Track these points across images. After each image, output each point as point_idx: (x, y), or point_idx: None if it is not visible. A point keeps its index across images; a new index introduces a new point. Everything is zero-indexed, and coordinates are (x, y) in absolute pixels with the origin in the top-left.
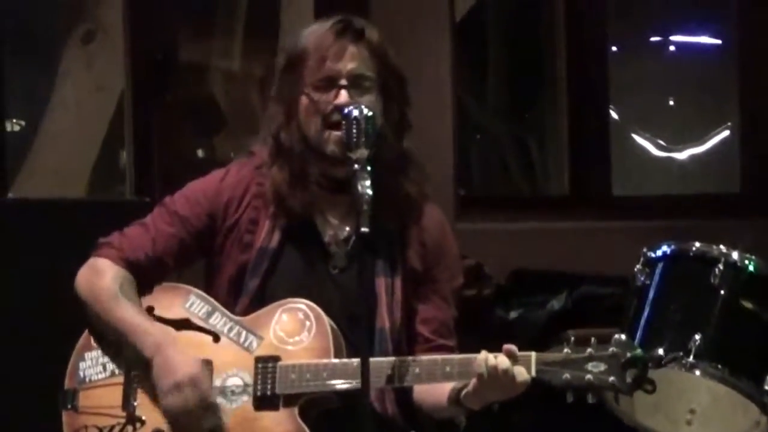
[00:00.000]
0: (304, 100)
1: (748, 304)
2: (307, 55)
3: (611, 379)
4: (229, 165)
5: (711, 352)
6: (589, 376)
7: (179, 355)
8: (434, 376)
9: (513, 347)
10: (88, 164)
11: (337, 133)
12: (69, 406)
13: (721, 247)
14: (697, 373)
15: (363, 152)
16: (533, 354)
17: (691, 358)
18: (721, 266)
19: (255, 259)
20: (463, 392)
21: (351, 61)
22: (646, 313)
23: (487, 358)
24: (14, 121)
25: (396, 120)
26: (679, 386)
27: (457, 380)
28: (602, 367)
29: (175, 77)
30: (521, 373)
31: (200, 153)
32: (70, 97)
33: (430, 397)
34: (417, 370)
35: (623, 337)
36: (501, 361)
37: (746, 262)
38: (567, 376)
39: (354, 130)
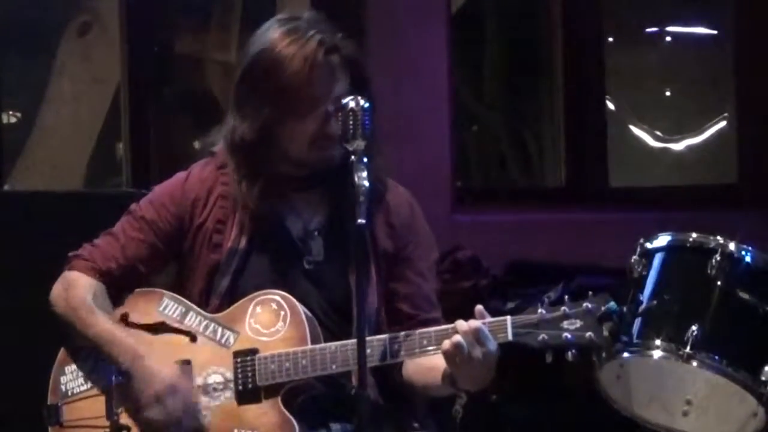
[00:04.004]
0: (288, 124)
1: (744, 295)
2: (290, 79)
3: (588, 334)
4: (191, 166)
5: (708, 342)
6: (566, 334)
7: (155, 365)
8: (413, 351)
9: (481, 307)
10: (85, 156)
11: (322, 153)
12: (54, 422)
13: (718, 237)
14: (694, 363)
15: (360, 143)
16: (508, 318)
17: (687, 349)
18: (718, 257)
19: (225, 259)
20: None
21: (334, 83)
22: (643, 305)
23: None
24: (10, 113)
25: None
26: (675, 377)
27: (434, 353)
28: (578, 323)
29: (172, 69)
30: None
31: (196, 145)
32: (67, 89)
33: (423, 378)
34: (396, 346)
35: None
36: (472, 322)
37: (743, 252)
38: (544, 336)
39: (351, 122)
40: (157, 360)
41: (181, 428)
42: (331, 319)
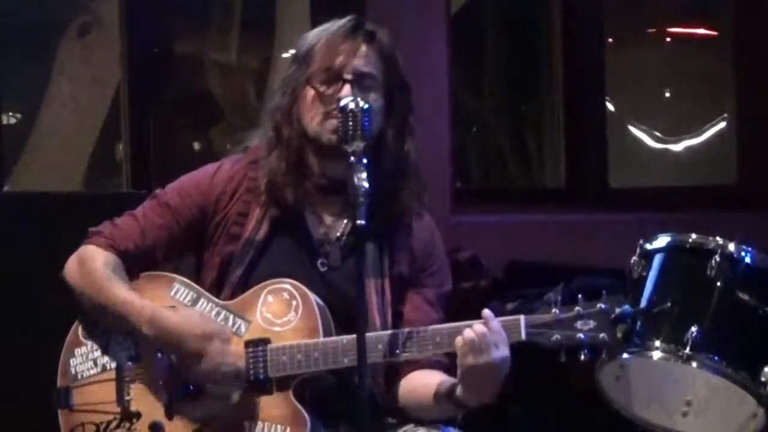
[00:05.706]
0: (308, 91)
1: (744, 296)
2: (317, 49)
3: (602, 335)
4: (223, 160)
5: (708, 343)
6: (579, 335)
7: (180, 323)
8: (426, 347)
9: (489, 312)
10: (85, 157)
11: (333, 121)
12: (64, 405)
13: (718, 238)
14: (694, 364)
15: (359, 144)
16: (522, 317)
17: (687, 350)
18: (717, 258)
19: (241, 249)
20: (457, 389)
21: (359, 58)
22: (642, 305)
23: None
24: (11, 114)
25: (398, 124)
26: (675, 378)
27: (447, 350)
28: (592, 324)
29: (172, 70)
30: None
31: (196, 146)
32: (67, 90)
33: (417, 397)
34: (407, 342)
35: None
36: (478, 327)
37: (743, 253)
38: (557, 336)
39: (350, 122)
40: (177, 318)
41: (230, 366)
42: (343, 323)
